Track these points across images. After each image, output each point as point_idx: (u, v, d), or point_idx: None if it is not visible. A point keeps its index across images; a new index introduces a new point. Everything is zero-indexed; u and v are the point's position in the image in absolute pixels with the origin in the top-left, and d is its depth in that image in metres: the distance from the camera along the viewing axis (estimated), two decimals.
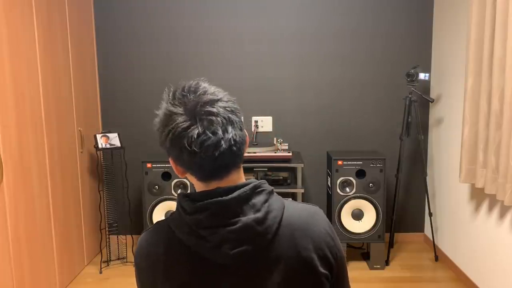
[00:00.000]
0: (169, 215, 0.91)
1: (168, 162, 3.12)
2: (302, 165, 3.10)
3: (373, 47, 3.53)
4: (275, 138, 3.46)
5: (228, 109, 0.84)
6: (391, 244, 3.39)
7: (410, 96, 3.20)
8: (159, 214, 3.15)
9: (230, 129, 0.83)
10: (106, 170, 3.29)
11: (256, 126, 3.58)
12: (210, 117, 0.81)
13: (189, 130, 0.81)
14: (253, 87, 3.57)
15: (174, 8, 3.50)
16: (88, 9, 3.40)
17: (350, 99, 3.58)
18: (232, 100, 0.87)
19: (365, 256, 3.39)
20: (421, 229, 3.72)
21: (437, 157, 3.45)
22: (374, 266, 3.19)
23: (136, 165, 3.59)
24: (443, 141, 3.35)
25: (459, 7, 3.04)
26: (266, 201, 0.86)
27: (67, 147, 2.97)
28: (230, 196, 0.83)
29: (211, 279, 0.83)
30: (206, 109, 0.82)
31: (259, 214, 0.83)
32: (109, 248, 3.33)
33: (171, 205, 3.15)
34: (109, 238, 3.32)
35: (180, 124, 0.81)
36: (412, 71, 3.16)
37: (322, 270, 0.86)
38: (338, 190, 3.14)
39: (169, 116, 0.83)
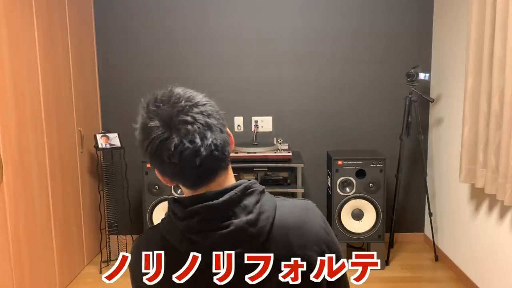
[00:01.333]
0: (161, 220, 0.89)
1: None
2: (302, 165, 3.10)
3: (373, 47, 3.53)
4: (275, 138, 3.46)
5: (205, 113, 0.81)
6: (391, 244, 3.39)
7: (410, 96, 3.20)
8: (159, 214, 3.15)
9: (209, 134, 0.80)
10: (106, 170, 3.28)
11: (256, 126, 3.57)
12: (186, 126, 0.79)
13: (166, 142, 0.79)
14: (253, 87, 3.57)
15: (174, 8, 3.50)
16: (88, 9, 3.40)
17: (350, 99, 3.58)
18: (209, 102, 0.84)
19: None
20: (421, 229, 3.72)
21: (437, 157, 3.45)
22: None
23: (136, 165, 3.58)
24: (443, 141, 3.35)
25: (459, 7, 3.04)
26: (257, 201, 0.84)
27: (67, 147, 2.97)
28: (220, 199, 0.81)
29: (206, 283, 0.83)
30: (181, 118, 0.79)
31: (251, 216, 0.82)
32: (109, 248, 3.33)
33: None
34: (109, 238, 3.32)
35: (157, 137, 0.79)
36: (412, 71, 3.16)
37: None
38: (338, 190, 3.14)
39: (146, 130, 0.81)
